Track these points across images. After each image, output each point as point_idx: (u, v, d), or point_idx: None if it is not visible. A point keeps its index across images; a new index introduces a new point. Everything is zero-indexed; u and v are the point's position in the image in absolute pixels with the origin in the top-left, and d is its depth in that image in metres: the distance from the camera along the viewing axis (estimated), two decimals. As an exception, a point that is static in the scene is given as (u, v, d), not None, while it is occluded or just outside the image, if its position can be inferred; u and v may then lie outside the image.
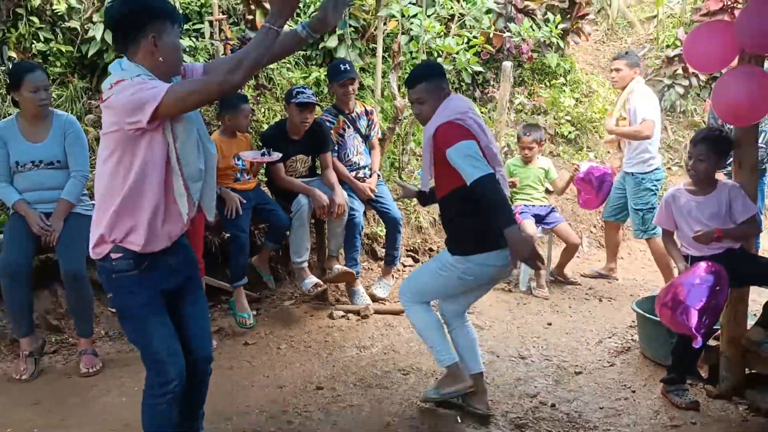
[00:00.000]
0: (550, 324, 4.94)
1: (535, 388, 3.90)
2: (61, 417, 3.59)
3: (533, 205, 5.71)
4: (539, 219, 5.67)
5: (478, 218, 3.29)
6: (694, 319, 3.36)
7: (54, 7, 5.77)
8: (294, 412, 3.60)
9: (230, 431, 3.41)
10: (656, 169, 5.52)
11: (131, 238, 2.55)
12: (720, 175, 4.07)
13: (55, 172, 4.11)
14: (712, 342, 3.80)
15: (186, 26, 6.51)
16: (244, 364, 4.25)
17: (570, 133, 7.80)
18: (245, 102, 4.80)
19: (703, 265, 3.45)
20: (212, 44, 6.37)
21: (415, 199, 6.08)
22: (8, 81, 4.22)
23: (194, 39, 6.45)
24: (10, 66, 5.28)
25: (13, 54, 5.57)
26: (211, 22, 6.23)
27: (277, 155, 4.67)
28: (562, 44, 8.23)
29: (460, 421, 3.48)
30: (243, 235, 4.59)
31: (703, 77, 8.30)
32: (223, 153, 4.53)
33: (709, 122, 5.65)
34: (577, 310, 5.27)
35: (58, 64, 5.75)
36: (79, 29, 5.80)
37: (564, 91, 8.10)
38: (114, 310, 2.86)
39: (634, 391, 3.86)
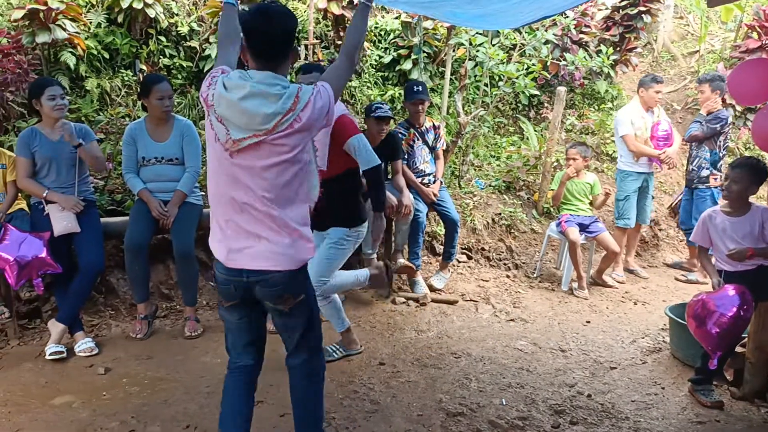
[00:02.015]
0: (588, 322, 4.78)
1: (573, 378, 3.77)
2: (167, 371, 3.69)
3: (578, 215, 5.55)
4: (583, 228, 5.50)
5: (359, 194, 3.70)
6: (713, 341, 3.25)
7: (178, 29, 5.93)
8: (359, 382, 3.60)
9: (305, 395, 3.42)
10: None
11: None
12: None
13: (174, 167, 4.21)
14: (738, 348, 3.60)
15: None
16: (319, 338, 4.26)
17: (614, 152, 7.53)
18: None
19: (731, 291, 3.28)
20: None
21: (471, 203, 6.06)
22: (139, 89, 4.35)
23: (291, 59, 6.52)
24: (141, 77, 5.46)
25: (144, 67, 5.75)
26: (306, 46, 6.29)
27: None
28: (612, 73, 7.97)
29: (504, 403, 3.40)
30: None
31: (739, 108, 7.87)
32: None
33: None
34: (614, 311, 5.08)
35: (180, 76, 5.91)
36: (198, 48, 5.94)
37: (611, 114, 7.82)
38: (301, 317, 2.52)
39: (663, 388, 3.69)
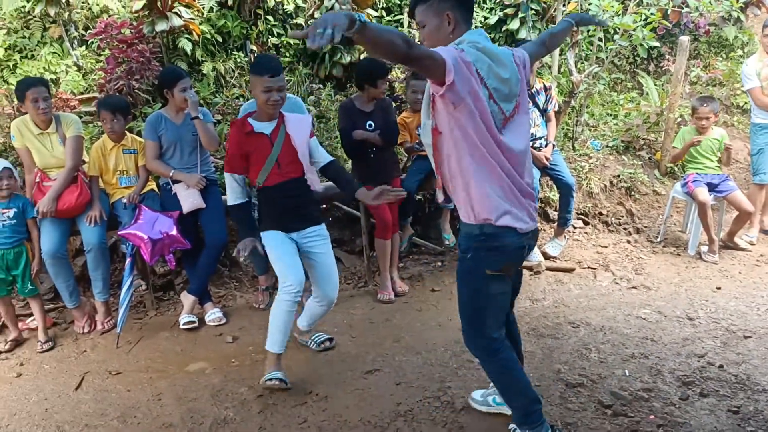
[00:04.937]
0: (719, 288, 4.46)
1: (703, 348, 3.55)
2: (288, 340, 3.85)
3: (706, 174, 5.16)
4: (712, 187, 5.11)
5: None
6: None
7: (284, 7, 6.07)
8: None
9: (420, 363, 3.47)
10: None
11: None
12: None
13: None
14: None
15: (387, 17, 6.58)
16: (431, 308, 4.30)
17: (746, 103, 6.91)
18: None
19: None
20: (410, 32, 6.39)
21: (587, 165, 5.80)
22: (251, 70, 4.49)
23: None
24: (252, 58, 5.66)
25: (254, 47, 5.95)
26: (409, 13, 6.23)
27: None
28: (742, 17, 7.27)
29: (628, 374, 3.27)
30: (407, 190, 4.60)
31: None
32: (409, 127, 4.62)
33: None
34: (748, 276, 4.70)
35: (287, 54, 6.07)
36: (304, 24, 6.06)
37: (740, 63, 7.16)
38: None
39: (807, 359, 3.40)
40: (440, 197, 2.56)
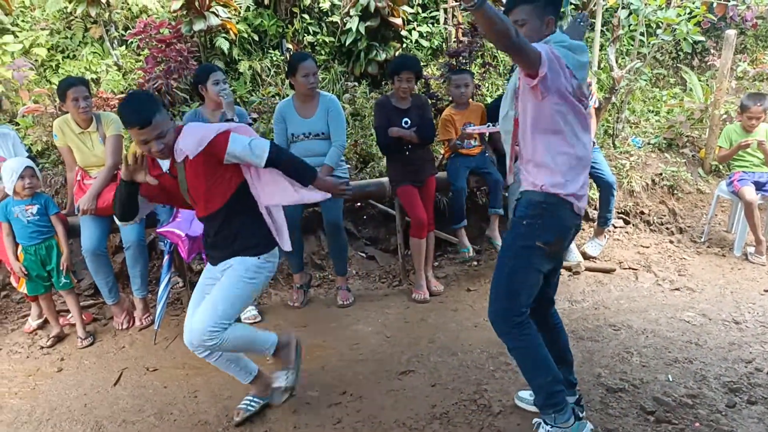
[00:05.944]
0: (766, 291, 4.30)
1: (751, 353, 3.41)
2: (324, 338, 3.87)
3: (753, 172, 4.98)
4: (759, 186, 4.93)
5: (257, 213, 2.87)
6: None
7: (320, 5, 6.07)
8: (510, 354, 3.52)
9: (455, 365, 3.42)
10: None
11: None
12: None
13: (320, 142, 4.32)
14: None
15: (423, 14, 6.52)
16: (467, 308, 4.24)
17: (796, 99, 6.66)
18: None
19: None
20: (445, 28, 6.34)
21: (627, 163, 5.66)
22: (286, 68, 4.51)
23: (430, 25, 6.45)
24: (288, 56, 5.68)
25: (290, 46, 5.97)
26: (445, 9, 6.17)
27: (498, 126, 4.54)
28: (792, 8, 7.01)
29: (671, 379, 3.16)
30: (460, 189, 4.55)
31: None
32: (455, 125, 4.56)
33: None
34: (798, 278, 4.53)
35: (323, 52, 6.06)
36: (339, 22, 6.04)
37: (791, 56, 6.93)
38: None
39: None
40: (510, 180, 2.80)
